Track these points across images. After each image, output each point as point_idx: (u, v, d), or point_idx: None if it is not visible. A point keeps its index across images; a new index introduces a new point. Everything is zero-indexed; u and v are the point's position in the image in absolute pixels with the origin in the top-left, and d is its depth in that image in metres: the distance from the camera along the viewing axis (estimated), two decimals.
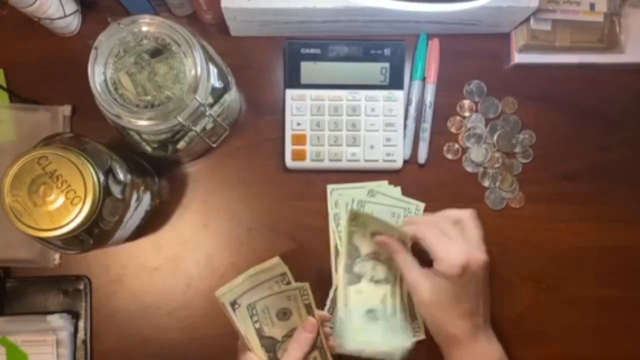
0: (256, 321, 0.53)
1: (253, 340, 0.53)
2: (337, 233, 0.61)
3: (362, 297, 0.60)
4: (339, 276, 0.60)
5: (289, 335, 0.54)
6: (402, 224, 0.58)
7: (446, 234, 0.53)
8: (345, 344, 0.57)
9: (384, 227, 0.57)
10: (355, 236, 0.60)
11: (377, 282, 0.60)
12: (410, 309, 0.60)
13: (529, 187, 0.63)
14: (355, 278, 0.60)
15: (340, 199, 0.62)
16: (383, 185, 0.62)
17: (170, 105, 0.47)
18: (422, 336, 0.60)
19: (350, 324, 0.59)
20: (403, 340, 0.59)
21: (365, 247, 0.60)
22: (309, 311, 0.54)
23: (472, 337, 0.53)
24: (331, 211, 0.62)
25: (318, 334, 0.54)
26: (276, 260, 0.54)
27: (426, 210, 0.62)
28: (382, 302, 0.60)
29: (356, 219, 0.59)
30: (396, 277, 0.60)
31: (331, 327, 0.58)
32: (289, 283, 0.54)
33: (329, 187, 0.62)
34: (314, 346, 0.54)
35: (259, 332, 0.53)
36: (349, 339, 0.58)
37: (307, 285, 0.53)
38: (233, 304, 0.52)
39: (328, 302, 0.60)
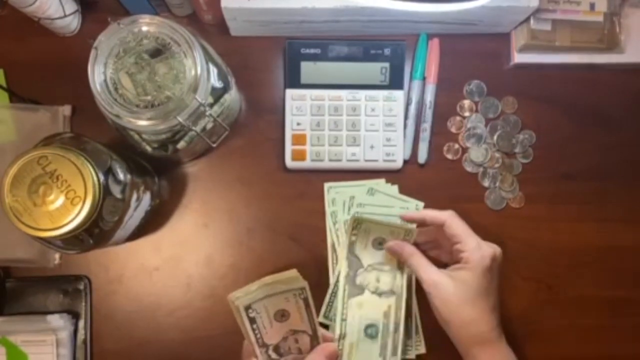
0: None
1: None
2: (335, 231, 0.61)
3: (363, 310, 0.57)
4: (339, 288, 0.58)
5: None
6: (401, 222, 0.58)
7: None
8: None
9: (387, 230, 0.56)
10: (357, 246, 0.58)
11: (381, 294, 0.58)
12: (415, 321, 0.59)
13: (529, 187, 0.63)
14: (358, 290, 0.58)
15: (338, 197, 0.61)
16: (380, 183, 0.62)
17: (170, 105, 0.47)
18: (422, 350, 0.59)
19: (347, 341, 0.57)
20: None
21: (367, 258, 0.58)
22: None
23: (498, 335, 0.51)
24: (328, 209, 0.62)
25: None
26: (294, 273, 0.51)
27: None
28: (385, 315, 0.57)
29: (358, 226, 0.57)
30: (402, 288, 0.57)
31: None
32: (305, 298, 0.52)
33: (326, 185, 0.62)
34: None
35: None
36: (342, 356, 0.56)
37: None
38: (247, 308, 0.51)
39: (324, 307, 0.59)
